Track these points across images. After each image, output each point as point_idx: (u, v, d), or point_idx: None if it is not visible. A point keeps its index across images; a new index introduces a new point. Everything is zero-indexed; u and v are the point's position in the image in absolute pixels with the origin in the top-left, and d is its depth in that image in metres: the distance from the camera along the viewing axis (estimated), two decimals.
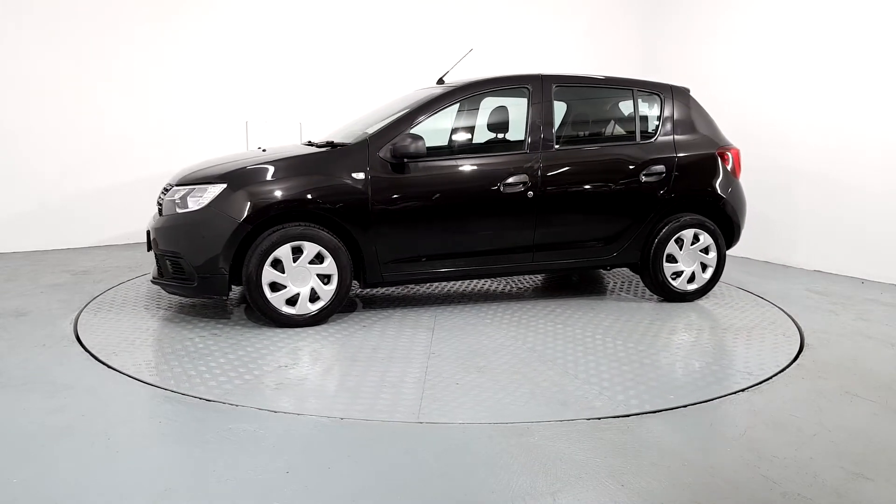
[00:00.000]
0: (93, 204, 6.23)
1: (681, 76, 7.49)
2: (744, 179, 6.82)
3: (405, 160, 4.03)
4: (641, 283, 5.16)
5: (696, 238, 4.68)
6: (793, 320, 4.44)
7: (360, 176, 3.97)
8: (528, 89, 4.43)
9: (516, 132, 4.77)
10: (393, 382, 3.18)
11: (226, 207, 3.79)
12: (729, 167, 4.81)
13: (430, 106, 4.23)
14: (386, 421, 2.78)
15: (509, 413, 2.87)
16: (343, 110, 6.00)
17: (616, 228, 4.56)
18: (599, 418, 2.84)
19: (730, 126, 6.84)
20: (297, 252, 3.87)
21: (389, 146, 4.02)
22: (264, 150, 4.41)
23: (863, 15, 5.75)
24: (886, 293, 5.30)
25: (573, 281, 5.43)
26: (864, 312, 4.71)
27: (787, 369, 3.52)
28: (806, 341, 4.01)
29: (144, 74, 6.31)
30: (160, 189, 4.40)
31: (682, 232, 4.64)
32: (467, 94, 4.41)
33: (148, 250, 4.17)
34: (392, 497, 2.21)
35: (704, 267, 4.77)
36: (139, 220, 4.40)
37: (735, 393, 3.16)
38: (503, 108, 4.67)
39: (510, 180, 4.24)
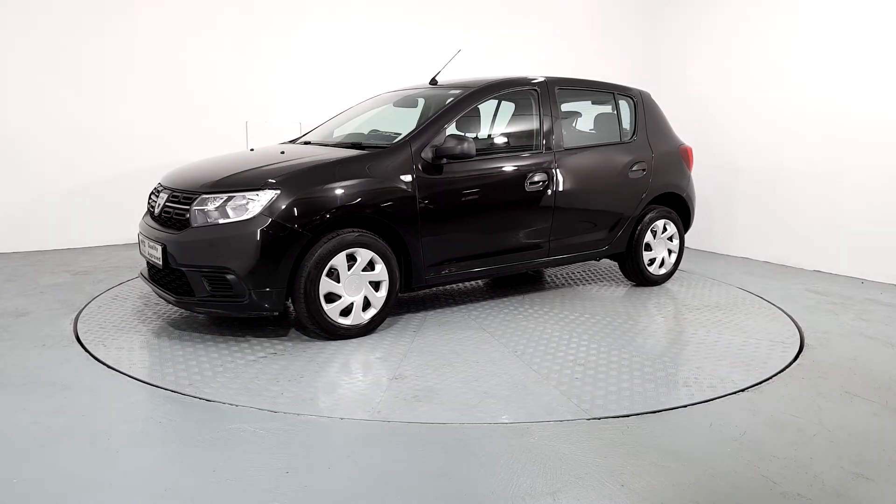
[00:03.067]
0: (93, 204, 6.23)
1: (668, 80, 7.50)
2: (743, 180, 6.89)
3: (444, 161, 4.02)
4: (585, 271, 5.65)
5: (664, 227, 5.27)
6: (793, 320, 4.45)
7: (408, 178, 3.91)
8: (537, 91, 4.62)
9: (521, 133, 4.84)
10: (522, 383, 3.21)
11: (283, 215, 3.51)
12: (686, 163, 5.45)
13: (457, 108, 4.26)
14: (565, 420, 2.82)
15: (658, 401, 3.04)
16: (342, 110, 6.00)
17: (612, 221, 4.97)
18: (599, 418, 2.84)
19: (726, 126, 6.86)
20: (349, 260, 3.72)
21: (431, 147, 3.99)
22: (283, 153, 4.13)
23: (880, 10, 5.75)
24: (886, 293, 5.30)
25: (530, 274, 5.60)
26: (864, 312, 4.71)
27: (787, 369, 3.52)
28: (806, 341, 4.01)
29: (144, 74, 6.31)
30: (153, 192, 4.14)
31: (656, 222, 5.20)
32: (485, 96, 4.45)
33: (165, 267, 3.66)
34: (392, 497, 2.21)
35: (669, 252, 5.36)
36: (139, 220, 4.34)
37: (735, 393, 3.17)
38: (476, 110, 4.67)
39: (534, 179, 4.42)
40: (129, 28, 6.20)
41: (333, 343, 3.72)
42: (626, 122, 5.17)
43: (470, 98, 4.36)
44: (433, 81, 4.88)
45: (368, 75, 7.13)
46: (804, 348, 3.88)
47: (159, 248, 3.67)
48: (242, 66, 6.71)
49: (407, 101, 5.01)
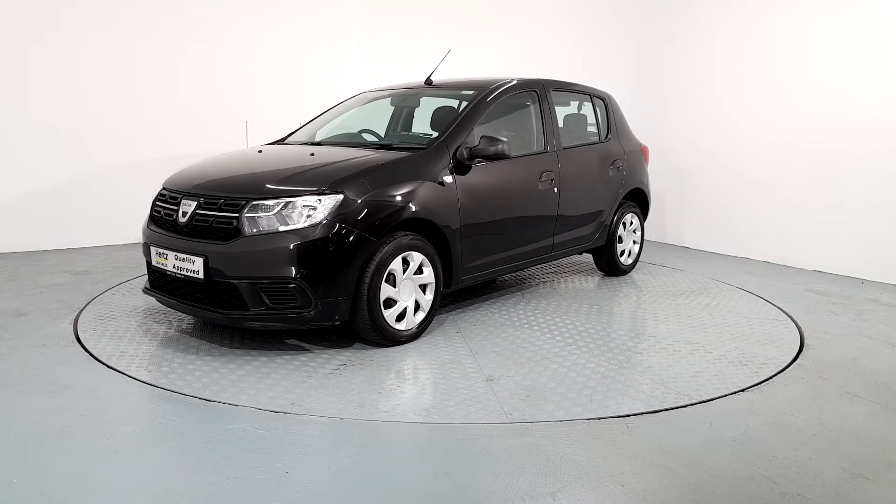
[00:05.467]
0: (93, 203, 6.22)
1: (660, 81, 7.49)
2: (743, 181, 6.92)
3: (476, 162, 4.03)
4: (553, 267, 5.89)
5: (631, 221, 5.63)
6: (793, 320, 4.45)
7: (449, 179, 3.90)
8: (537, 92, 4.77)
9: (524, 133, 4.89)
10: (609, 375, 3.33)
11: (350, 219, 3.37)
12: (645, 160, 5.82)
13: (478, 110, 4.28)
14: (664, 409, 2.95)
15: (742, 382, 3.28)
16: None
17: (599, 216, 5.23)
18: (599, 418, 2.84)
19: (727, 127, 6.86)
20: (403, 264, 3.66)
21: (466, 148, 3.99)
22: (313, 154, 3.97)
23: None
24: (886, 293, 5.30)
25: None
26: (864, 312, 4.71)
27: (787, 369, 3.52)
28: (806, 341, 4.01)
29: (144, 74, 6.31)
30: (156, 193, 3.95)
31: (626, 216, 5.54)
32: (500, 97, 4.47)
33: (207, 279, 3.36)
34: (392, 497, 2.21)
35: (634, 243, 5.74)
36: (140, 220, 4.29)
37: (735, 393, 3.17)
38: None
39: (543, 177, 4.58)
40: (129, 28, 6.20)
41: (391, 349, 3.62)
42: (602, 123, 5.44)
43: (486, 98, 4.39)
44: (428, 81, 4.90)
45: (368, 75, 7.13)
46: (804, 348, 3.88)
47: (198, 260, 3.36)
48: (242, 66, 6.71)
49: (399, 100, 5.08)
